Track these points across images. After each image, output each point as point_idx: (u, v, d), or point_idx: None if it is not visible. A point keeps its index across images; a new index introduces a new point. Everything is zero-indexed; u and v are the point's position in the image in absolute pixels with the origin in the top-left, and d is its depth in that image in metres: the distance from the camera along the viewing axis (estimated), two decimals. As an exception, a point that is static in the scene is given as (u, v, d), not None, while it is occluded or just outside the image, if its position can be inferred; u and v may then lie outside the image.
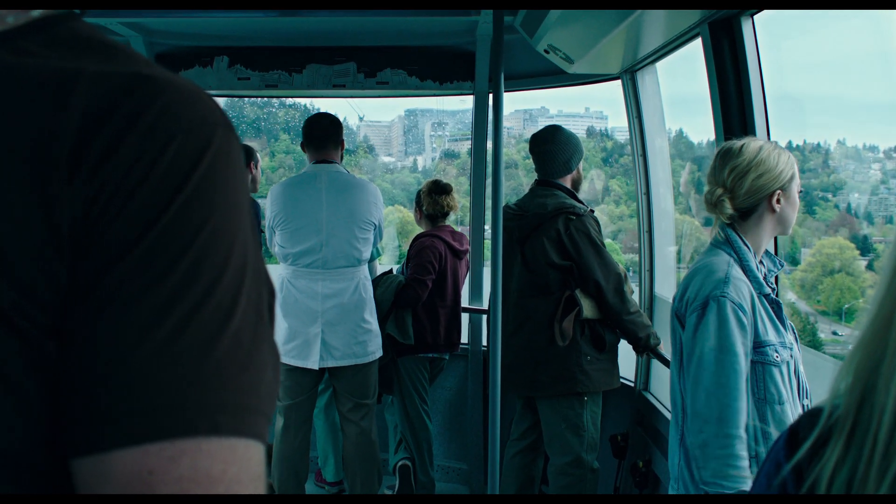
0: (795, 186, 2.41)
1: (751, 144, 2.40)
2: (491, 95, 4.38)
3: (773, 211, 2.38)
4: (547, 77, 4.94)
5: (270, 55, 4.99)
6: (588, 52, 3.96)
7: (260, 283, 0.63)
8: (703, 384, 2.22)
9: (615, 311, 3.86)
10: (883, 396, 0.80)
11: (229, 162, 0.63)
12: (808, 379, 2.40)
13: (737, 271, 2.32)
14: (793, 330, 2.40)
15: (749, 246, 2.39)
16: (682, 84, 3.78)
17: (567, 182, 4.06)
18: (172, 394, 0.54)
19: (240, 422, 0.57)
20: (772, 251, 2.54)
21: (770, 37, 3.25)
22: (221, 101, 5.18)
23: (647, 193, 4.53)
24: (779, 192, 2.37)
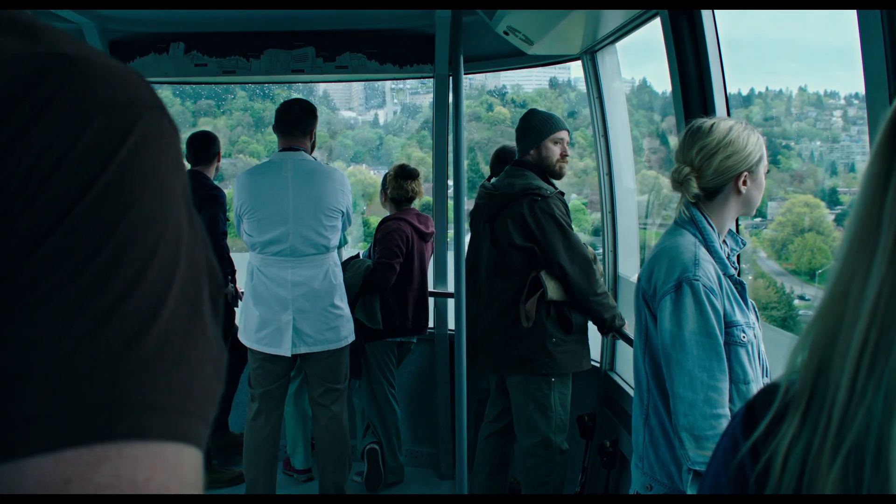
0: (763, 168, 2.41)
1: (721, 124, 2.39)
2: (451, 78, 4.37)
3: (739, 192, 2.38)
4: (507, 59, 4.94)
5: (228, 41, 4.93)
6: (547, 34, 3.95)
7: (198, 275, 0.58)
8: (685, 368, 2.22)
9: (581, 293, 3.86)
10: (837, 372, 0.80)
11: (159, 146, 0.57)
12: (769, 356, 2.43)
13: (703, 252, 2.32)
14: (754, 309, 2.41)
15: (713, 226, 2.38)
16: (642, 29, 3.75)
17: (533, 162, 4.03)
18: (91, 395, 0.49)
19: (169, 424, 0.52)
20: (733, 230, 2.54)
21: None
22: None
23: (610, 174, 4.55)
24: (746, 173, 2.36)
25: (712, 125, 2.38)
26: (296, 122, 4.22)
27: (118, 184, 0.54)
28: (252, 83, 5.29)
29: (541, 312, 3.86)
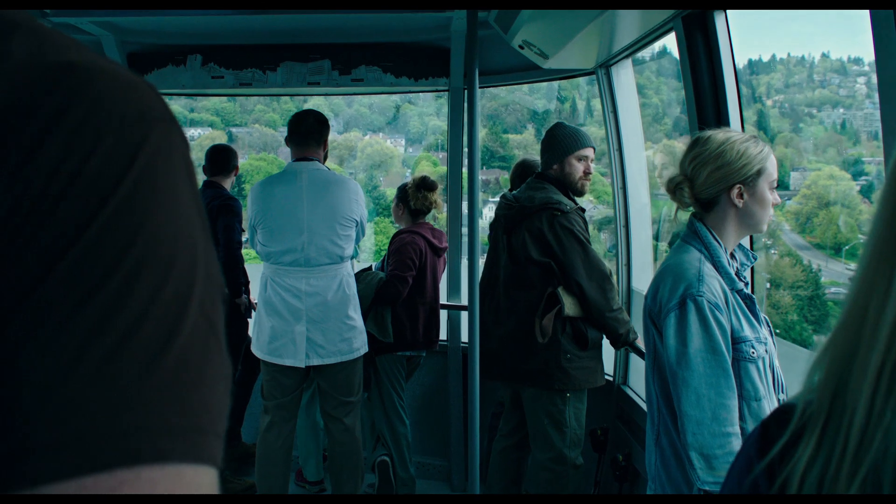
0: (765, 182, 2.35)
1: (718, 135, 2.37)
2: (466, 92, 4.38)
3: (735, 205, 2.34)
4: (522, 72, 4.94)
5: (244, 53, 4.96)
6: (562, 48, 3.96)
7: (215, 291, 0.58)
8: (692, 386, 2.19)
9: (597, 310, 3.84)
10: (855, 394, 0.79)
11: (171, 161, 0.57)
12: (785, 372, 2.40)
13: (708, 268, 2.30)
14: (767, 324, 2.38)
15: (719, 241, 2.35)
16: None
17: (555, 177, 4.02)
18: (110, 420, 0.49)
19: (190, 446, 0.52)
20: (746, 245, 2.52)
21: None
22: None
23: (624, 188, 4.54)
24: (739, 185, 2.33)
25: (710, 136, 2.37)
26: (310, 133, 4.23)
27: (132, 201, 0.53)
28: (268, 95, 5.32)
29: (556, 328, 3.84)
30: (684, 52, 3.30)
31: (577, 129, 4.09)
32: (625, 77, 4.47)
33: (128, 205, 0.53)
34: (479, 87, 4.22)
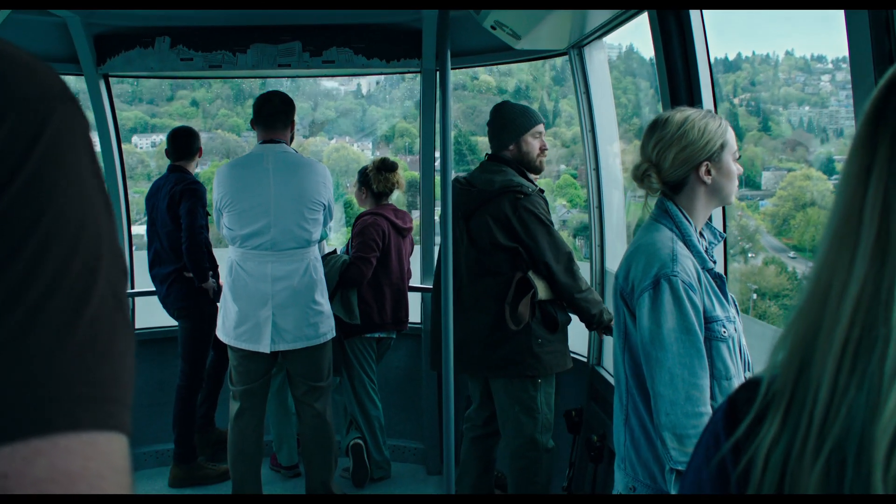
0: (729, 155, 2.36)
1: (676, 116, 2.35)
2: (438, 73, 4.35)
3: (704, 183, 2.34)
4: (494, 53, 4.92)
5: (214, 35, 4.90)
6: (535, 28, 3.93)
7: (119, 267, 0.59)
8: (666, 366, 2.19)
9: (567, 291, 3.83)
10: (819, 370, 0.79)
11: (73, 139, 0.58)
12: (754, 350, 2.42)
13: (681, 247, 2.29)
14: (734, 303, 2.39)
15: (689, 219, 2.35)
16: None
17: (512, 157, 3.97)
18: (23, 392, 0.51)
19: (101, 414, 0.53)
20: (712, 223, 2.51)
21: None
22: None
23: (597, 169, 4.53)
24: (706, 163, 2.33)
25: (668, 118, 2.36)
26: (276, 115, 4.19)
27: (38, 177, 0.54)
28: (238, 77, 5.26)
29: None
30: (657, 32, 3.29)
31: (526, 106, 4.07)
32: (597, 58, 4.46)
33: (34, 181, 0.54)
34: (452, 69, 4.20)
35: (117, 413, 0.55)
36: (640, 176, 2.38)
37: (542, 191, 3.94)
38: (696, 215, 2.38)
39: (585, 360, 4.57)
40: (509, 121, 3.96)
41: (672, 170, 2.34)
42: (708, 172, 2.33)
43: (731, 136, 2.38)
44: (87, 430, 0.52)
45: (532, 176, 4.00)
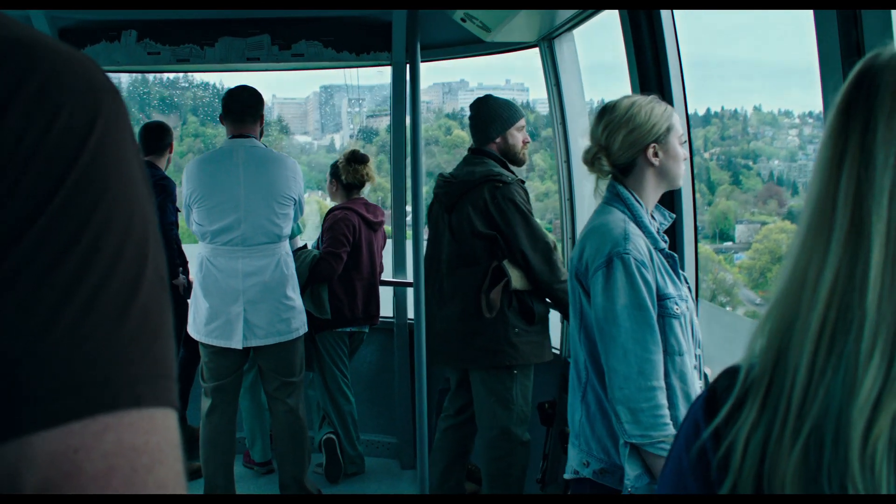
0: (675, 138, 2.44)
1: (623, 101, 2.45)
2: (408, 66, 4.34)
3: (652, 164, 2.42)
4: (464, 46, 4.91)
5: (181, 28, 4.85)
6: (504, 21, 3.94)
7: (160, 250, 0.63)
8: (619, 341, 2.25)
9: (544, 281, 3.84)
10: (797, 354, 0.82)
11: (119, 130, 0.61)
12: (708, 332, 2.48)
13: (633, 227, 2.36)
14: (686, 282, 2.47)
15: (640, 201, 2.43)
16: (600, 53, 3.80)
17: (496, 151, 4.00)
18: (91, 370, 0.54)
19: (158, 391, 0.57)
20: (661, 206, 2.59)
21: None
22: (125, 78, 5.03)
23: (568, 161, 4.55)
24: (654, 145, 2.41)
25: (616, 103, 2.45)
26: (246, 109, 4.15)
27: (92, 169, 0.57)
28: (206, 72, 5.22)
29: (503, 302, 3.82)
30: (626, 24, 3.30)
31: (508, 100, 4.12)
32: (567, 50, 4.47)
33: (90, 171, 0.57)
34: (422, 62, 4.19)
35: (170, 389, 0.59)
36: (590, 159, 2.47)
37: (522, 181, 3.96)
38: (646, 197, 2.46)
39: (559, 352, 4.58)
40: (496, 115, 4.00)
41: (621, 152, 2.42)
42: (655, 154, 2.42)
43: (676, 120, 2.47)
44: (148, 407, 0.56)
45: (514, 168, 4.03)
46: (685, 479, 0.91)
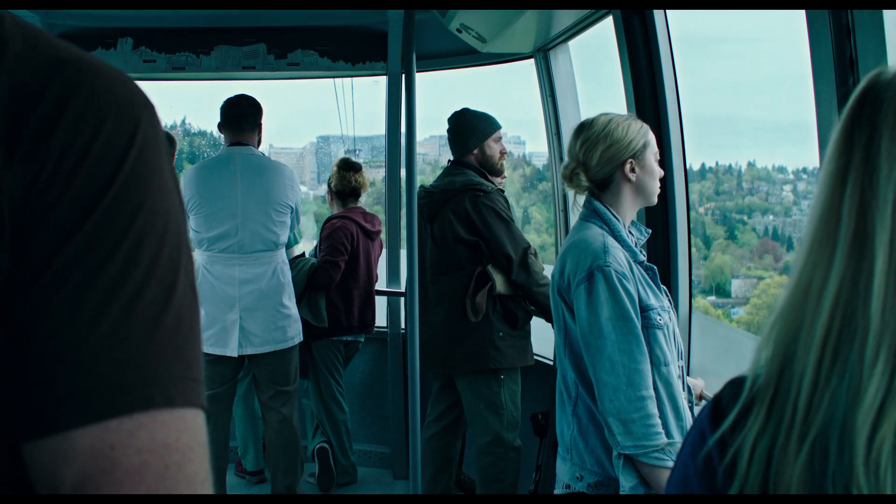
0: (651, 155, 2.48)
1: (601, 118, 2.48)
2: (404, 76, 4.35)
3: (629, 180, 2.46)
4: (460, 56, 4.92)
5: (177, 36, 4.85)
6: (500, 32, 3.95)
7: (191, 258, 0.67)
8: (606, 354, 2.26)
9: (523, 285, 3.89)
10: (801, 364, 0.83)
11: (156, 142, 0.64)
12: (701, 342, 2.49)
13: (611, 241, 2.39)
14: (666, 294, 2.49)
15: (617, 217, 2.45)
16: (595, 67, 3.84)
17: (475, 162, 4.08)
18: (128, 371, 0.57)
19: (189, 392, 0.61)
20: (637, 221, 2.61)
21: (683, 60, 3.34)
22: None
23: (563, 172, 4.55)
24: (631, 160, 2.44)
25: (593, 120, 2.49)
26: (244, 117, 4.17)
27: (133, 178, 0.61)
28: (202, 80, 5.21)
29: (487, 307, 3.88)
30: (622, 36, 3.32)
31: (485, 112, 4.20)
32: (563, 61, 4.48)
33: (131, 181, 0.61)
34: (418, 72, 4.20)
35: (199, 391, 0.62)
36: (568, 175, 2.50)
37: (502, 190, 4.04)
38: (623, 212, 2.49)
39: (551, 362, 4.58)
40: (473, 126, 4.10)
41: (598, 168, 2.45)
42: (633, 170, 2.46)
43: (651, 137, 2.52)
44: (179, 407, 0.60)
45: (493, 178, 4.09)
46: (691, 486, 0.92)
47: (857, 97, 0.87)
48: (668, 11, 3.27)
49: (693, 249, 3.48)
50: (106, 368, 0.57)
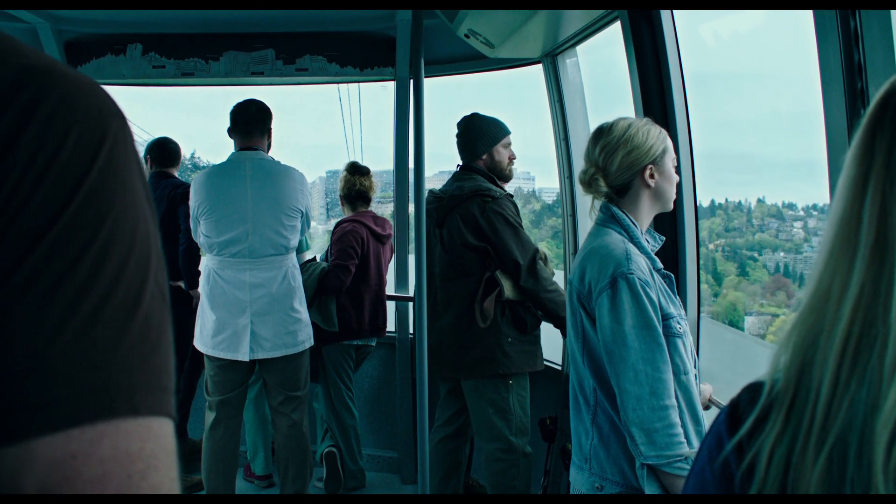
0: (669, 161, 2.46)
1: (620, 122, 2.45)
2: (412, 81, 4.35)
3: (648, 186, 2.43)
4: (468, 62, 4.93)
5: (186, 42, 4.87)
6: (508, 37, 3.96)
7: (162, 265, 0.66)
8: (629, 362, 2.23)
9: (530, 291, 3.88)
10: (820, 370, 0.82)
11: (126, 151, 0.64)
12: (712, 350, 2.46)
13: (632, 247, 2.36)
14: (681, 304, 2.46)
15: (635, 223, 2.43)
16: (603, 73, 3.84)
17: (484, 167, 4.09)
18: (91, 380, 0.57)
19: (155, 401, 0.60)
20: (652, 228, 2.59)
21: (694, 96, 3.34)
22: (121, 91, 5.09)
23: (570, 177, 4.56)
24: (651, 166, 2.42)
25: (612, 125, 2.45)
26: (254, 122, 4.17)
27: (99, 188, 0.61)
28: (211, 85, 5.23)
29: (496, 312, 3.88)
30: (629, 41, 3.32)
31: (495, 118, 4.20)
32: (571, 66, 4.48)
33: (97, 188, 0.61)
34: (426, 77, 4.21)
35: (167, 400, 0.61)
36: (587, 181, 2.47)
37: (511, 196, 4.03)
38: (641, 219, 2.46)
39: (560, 367, 4.58)
40: (482, 132, 4.10)
41: (618, 173, 2.43)
42: (652, 176, 2.43)
43: (669, 143, 2.49)
44: (144, 416, 0.59)
45: (502, 184, 4.10)
46: (708, 491, 0.91)
47: (877, 103, 0.87)
48: (680, 47, 3.28)
49: (704, 286, 3.46)
50: (69, 377, 0.56)
